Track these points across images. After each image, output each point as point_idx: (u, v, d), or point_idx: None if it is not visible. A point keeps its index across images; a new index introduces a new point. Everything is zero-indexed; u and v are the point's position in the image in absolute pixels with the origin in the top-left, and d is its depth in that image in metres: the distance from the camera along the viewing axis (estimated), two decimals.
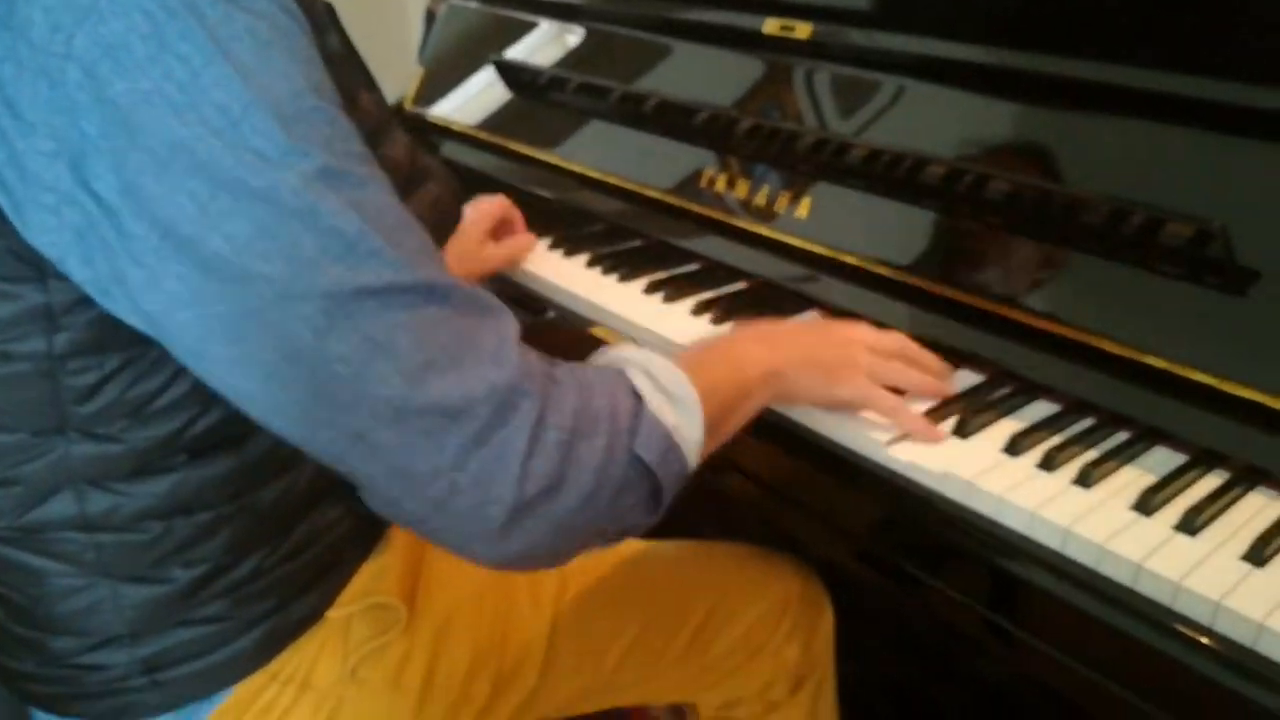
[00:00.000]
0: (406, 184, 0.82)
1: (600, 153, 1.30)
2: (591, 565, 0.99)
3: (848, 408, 0.86)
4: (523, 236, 1.26)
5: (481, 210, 1.22)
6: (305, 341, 0.56)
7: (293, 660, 0.81)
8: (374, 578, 0.84)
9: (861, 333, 0.89)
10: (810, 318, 0.90)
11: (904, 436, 0.83)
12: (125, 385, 0.65)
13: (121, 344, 0.63)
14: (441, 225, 0.91)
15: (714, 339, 0.84)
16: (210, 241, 0.55)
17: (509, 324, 0.63)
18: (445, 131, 1.53)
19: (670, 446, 0.67)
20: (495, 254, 1.21)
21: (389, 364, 0.57)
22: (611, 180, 1.26)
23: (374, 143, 0.75)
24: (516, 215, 1.27)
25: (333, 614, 0.82)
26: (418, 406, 0.57)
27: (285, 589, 0.78)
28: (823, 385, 0.85)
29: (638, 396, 0.67)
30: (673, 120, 1.22)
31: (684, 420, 0.69)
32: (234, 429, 0.68)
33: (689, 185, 1.18)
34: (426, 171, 0.87)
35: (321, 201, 0.56)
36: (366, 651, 0.84)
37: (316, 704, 0.82)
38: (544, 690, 0.93)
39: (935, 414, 0.85)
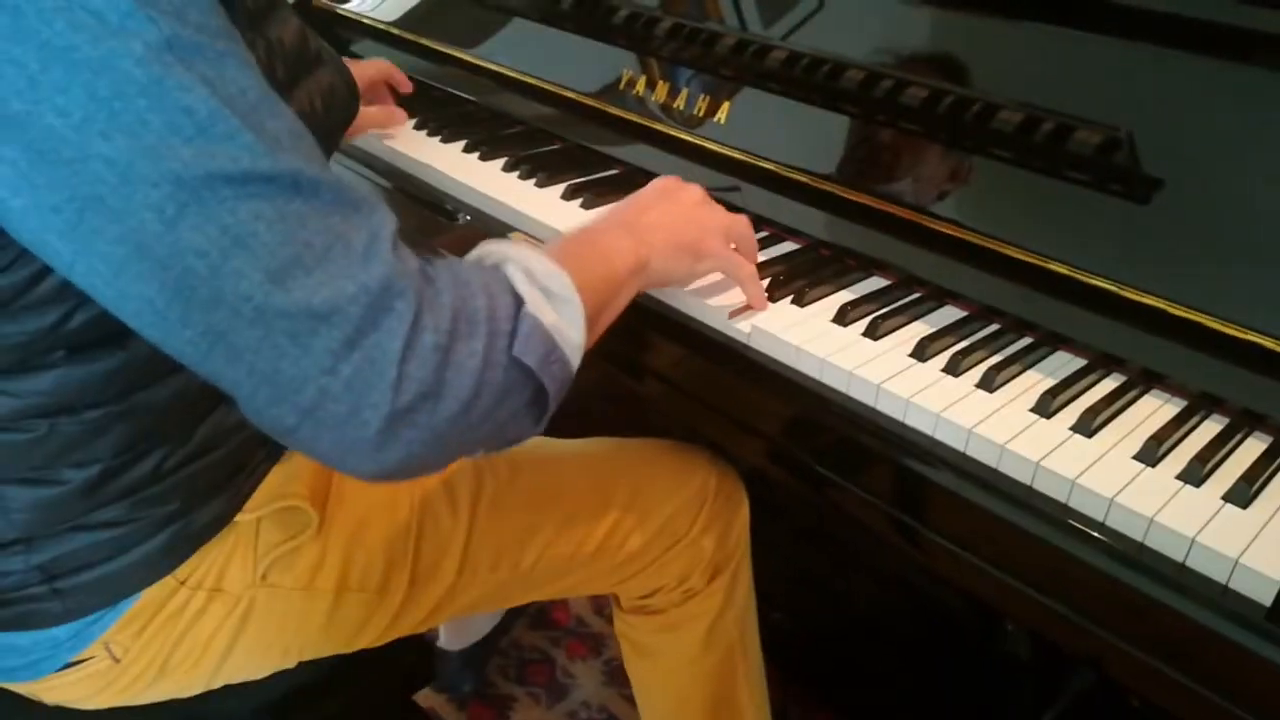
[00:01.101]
0: (297, 69, 0.78)
1: (520, 53, 1.28)
2: (508, 463, 0.99)
3: (706, 275, 0.89)
4: (395, 110, 1.27)
5: (359, 69, 1.21)
6: (154, 231, 0.51)
7: (202, 565, 0.80)
8: (284, 481, 0.83)
9: (704, 195, 0.90)
10: (658, 188, 0.89)
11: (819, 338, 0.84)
12: None
13: None
14: (335, 114, 0.87)
15: (580, 231, 0.81)
16: (42, 118, 0.49)
17: (383, 219, 0.59)
18: (358, 26, 1.48)
19: (551, 347, 0.64)
20: (368, 114, 1.20)
21: (248, 259, 0.53)
22: (531, 81, 1.24)
23: (260, 23, 0.71)
24: (399, 78, 1.29)
25: (242, 518, 0.82)
26: (281, 307, 0.53)
27: (189, 492, 0.77)
28: (688, 266, 0.86)
29: (516, 296, 0.64)
30: (593, 18, 1.20)
31: (564, 319, 0.66)
32: (115, 324, 0.60)
33: (610, 88, 1.16)
34: (320, 57, 0.83)
35: (169, 75, 0.51)
36: (277, 555, 0.84)
37: (228, 608, 0.82)
38: (461, 586, 0.94)
39: (847, 314, 0.86)
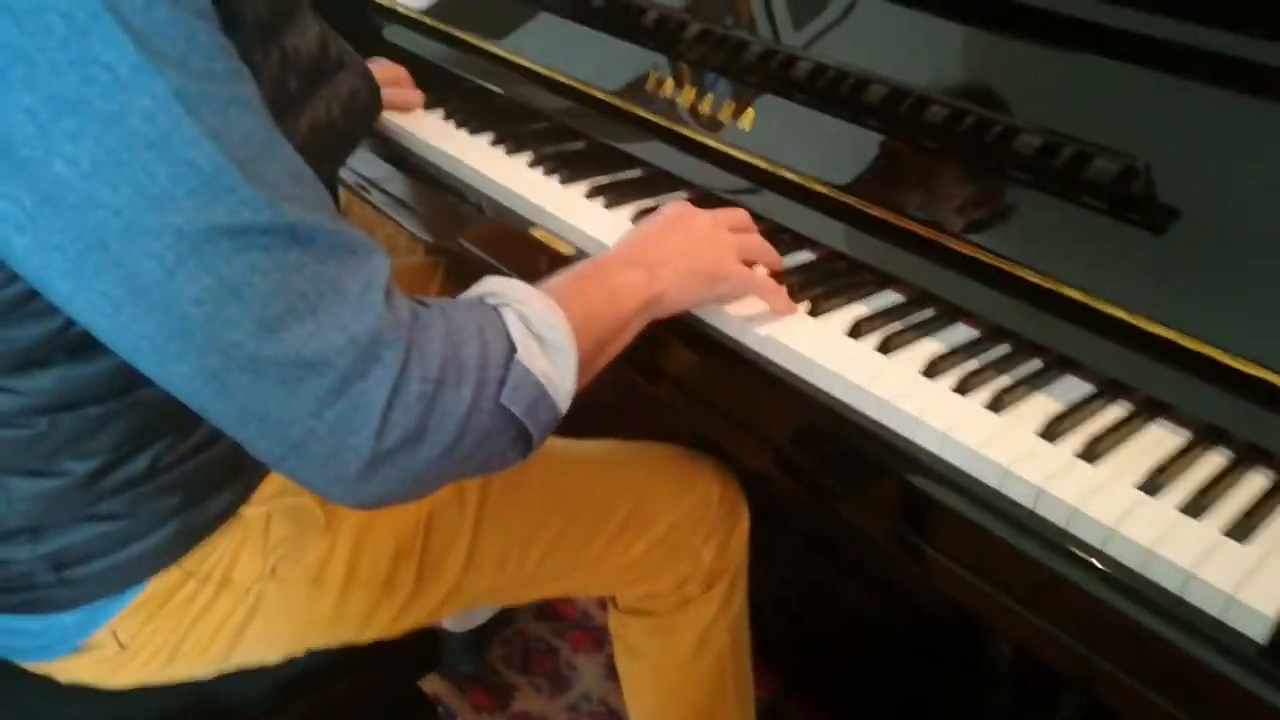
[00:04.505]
0: (314, 78, 0.79)
1: (549, 48, 1.28)
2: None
3: (730, 300, 0.88)
4: (410, 92, 1.28)
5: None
6: (154, 278, 0.53)
7: (210, 557, 0.82)
8: None
9: (717, 216, 0.90)
10: (668, 218, 0.89)
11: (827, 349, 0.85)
12: None
13: None
14: (356, 120, 0.88)
15: (589, 265, 0.81)
16: (50, 164, 0.51)
17: (378, 266, 0.60)
18: (391, 14, 1.49)
19: (540, 395, 0.66)
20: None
21: (243, 309, 0.54)
22: (558, 77, 1.25)
23: (274, 34, 0.71)
24: (410, 96, 1.30)
25: (248, 511, 0.83)
26: (272, 355, 0.55)
27: (191, 486, 0.78)
28: (704, 291, 0.86)
29: (510, 342, 0.65)
30: (623, 18, 1.20)
31: (556, 367, 0.67)
32: None
33: (636, 88, 1.17)
34: (341, 62, 0.83)
35: (176, 128, 0.52)
36: (287, 549, 0.85)
37: (237, 599, 0.84)
38: (466, 582, 0.96)
39: (861, 327, 0.87)
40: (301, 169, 0.60)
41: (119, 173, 0.51)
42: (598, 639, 1.72)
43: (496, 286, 0.71)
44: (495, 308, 0.68)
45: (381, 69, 1.27)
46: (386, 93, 1.22)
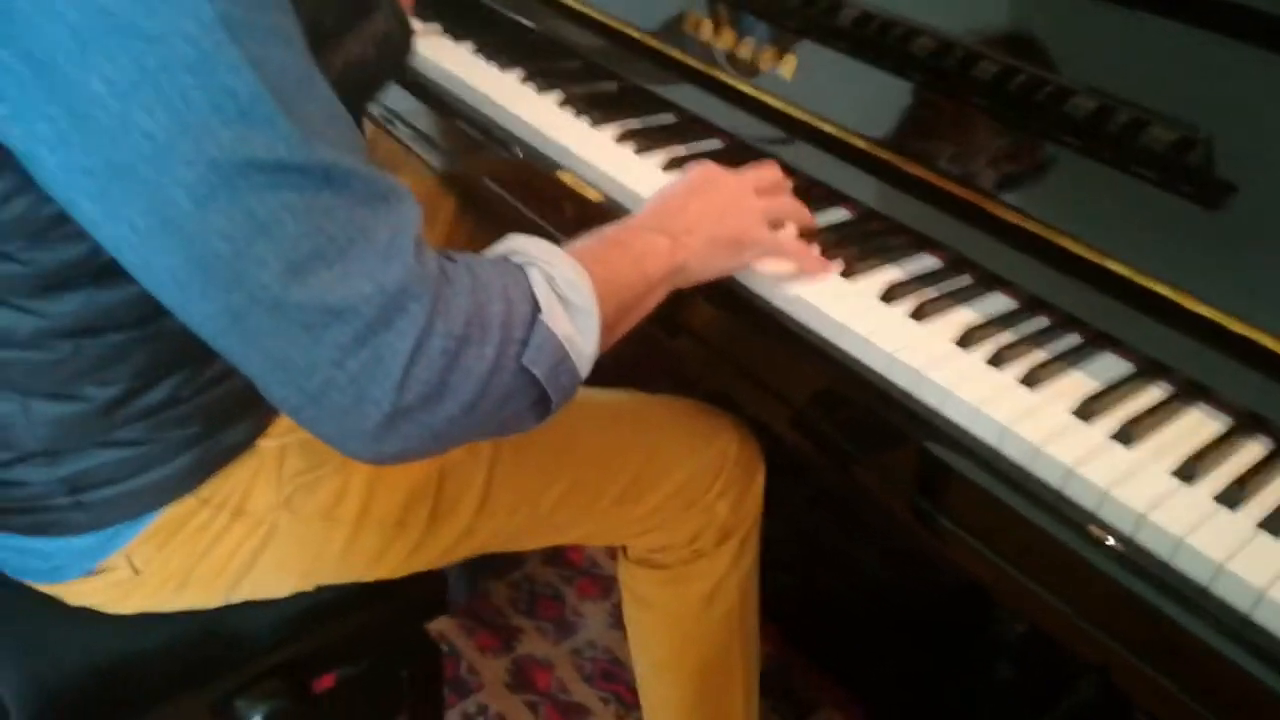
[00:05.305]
0: (354, 12, 0.77)
1: None
2: None
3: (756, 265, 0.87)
4: None
5: None
6: (183, 209, 0.52)
7: (225, 486, 0.81)
8: None
9: (747, 179, 0.88)
10: (694, 182, 0.86)
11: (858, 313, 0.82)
12: (22, 209, 0.61)
13: (15, 165, 0.57)
14: (389, 60, 0.86)
15: (616, 229, 0.80)
16: (88, 82, 0.49)
17: (410, 214, 0.59)
18: None
19: (562, 358, 0.65)
20: None
21: (271, 248, 0.53)
22: (593, 14, 1.21)
23: None
24: None
25: (264, 443, 0.83)
26: (297, 299, 0.54)
27: (209, 416, 0.78)
28: (729, 260, 0.84)
29: (535, 303, 0.64)
30: None
31: (580, 331, 0.66)
32: None
33: (673, 28, 1.13)
34: (375, 1, 0.82)
35: (218, 53, 0.50)
36: (301, 483, 0.84)
37: (250, 529, 0.83)
38: (478, 526, 0.95)
39: (895, 292, 0.85)
40: (338, 109, 0.58)
41: (157, 96, 0.50)
42: (605, 587, 1.72)
43: (523, 245, 0.69)
44: (521, 266, 0.66)
45: None
46: None
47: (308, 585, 0.91)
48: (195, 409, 0.76)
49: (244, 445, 0.81)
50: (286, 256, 0.53)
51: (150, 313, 0.69)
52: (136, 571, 0.82)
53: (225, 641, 0.89)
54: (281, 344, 0.55)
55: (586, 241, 0.76)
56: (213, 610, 0.88)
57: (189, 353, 0.74)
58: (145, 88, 0.50)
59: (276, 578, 0.88)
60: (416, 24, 1.30)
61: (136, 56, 0.49)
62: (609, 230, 0.79)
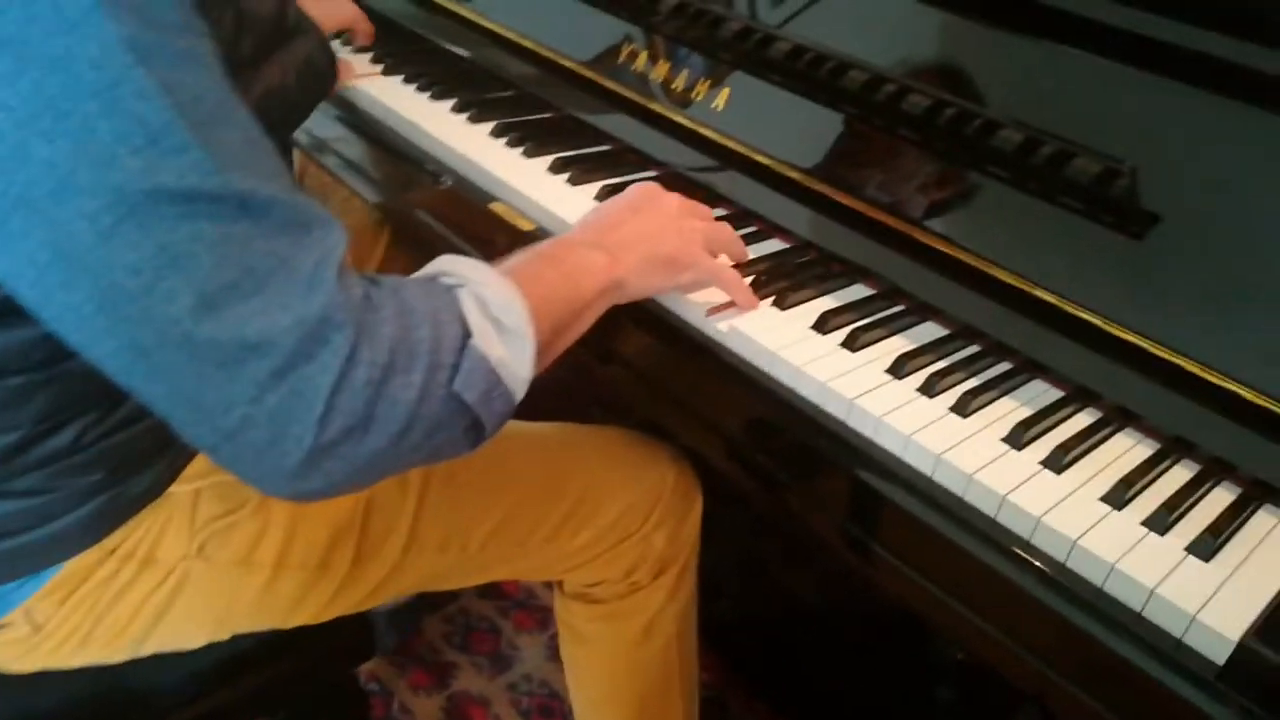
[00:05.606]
0: (270, 41, 0.75)
1: (519, 13, 1.24)
2: None
3: (692, 290, 0.86)
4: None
5: (327, 10, 1.23)
6: (85, 242, 0.49)
7: (134, 535, 0.78)
8: None
9: (688, 203, 0.87)
10: (633, 200, 0.85)
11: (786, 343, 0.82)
12: None
13: None
14: (310, 86, 0.84)
15: (550, 246, 0.78)
16: None
17: (334, 241, 0.56)
18: None
19: (495, 383, 0.62)
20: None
21: (183, 281, 0.50)
22: (527, 44, 1.21)
23: None
24: (363, 28, 1.32)
25: (177, 489, 0.79)
26: (211, 335, 0.51)
27: (116, 462, 0.74)
28: (667, 279, 0.83)
29: (465, 326, 0.61)
30: None
31: (513, 354, 0.64)
32: None
33: (609, 60, 1.13)
34: (299, 27, 0.80)
35: (125, 79, 0.48)
36: (216, 529, 0.81)
37: (159, 579, 0.80)
38: (406, 566, 0.92)
39: (828, 321, 0.85)
40: (257, 136, 0.56)
41: (57, 123, 0.47)
42: (542, 619, 1.69)
43: (454, 265, 0.67)
44: (451, 288, 0.64)
45: (335, 8, 1.27)
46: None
47: (222, 635, 0.87)
48: (100, 454, 0.73)
49: (155, 492, 0.78)
50: (199, 289, 0.51)
51: (54, 354, 0.66)
52: (37, 628, 0.78)
53: (133, 699, 0.85)
54: (193, 382, 0.52)
55: (520, 258, 0.74)
56: (118, 665, 0.84)
57: (96, 395, 0.71)
58: (45, 115, 0.47)
59: (187, 629, 0.84)
60: (346, 54, 1.30)
61: (35, 81, 0.47)
62: (544, 246, 0.78)
